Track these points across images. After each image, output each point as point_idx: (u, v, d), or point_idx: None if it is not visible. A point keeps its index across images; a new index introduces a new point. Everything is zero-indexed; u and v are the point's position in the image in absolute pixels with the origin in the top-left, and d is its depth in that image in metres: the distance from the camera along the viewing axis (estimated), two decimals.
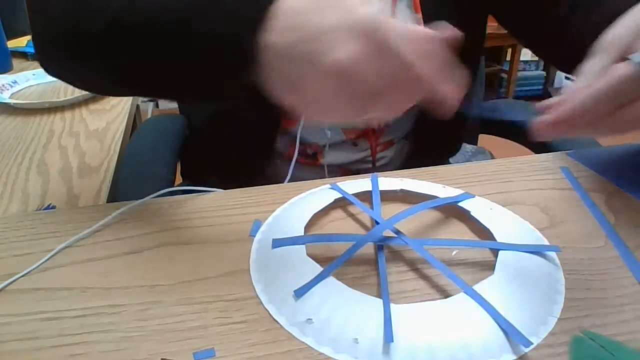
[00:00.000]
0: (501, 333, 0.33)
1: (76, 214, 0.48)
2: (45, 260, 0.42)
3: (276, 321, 0.35)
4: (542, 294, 0.36)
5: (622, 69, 0.32)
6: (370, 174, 0.53)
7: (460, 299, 0.35)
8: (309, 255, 0.40)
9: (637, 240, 0.43)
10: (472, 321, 0.34)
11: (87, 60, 0.42)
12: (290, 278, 0.38)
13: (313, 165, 0.70)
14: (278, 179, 0.67)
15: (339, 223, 0.47)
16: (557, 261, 0.40)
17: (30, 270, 0.40)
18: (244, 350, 0.33)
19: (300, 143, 0.65)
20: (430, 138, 0.72)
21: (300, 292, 0.36)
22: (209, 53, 0.34)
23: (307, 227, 0.44)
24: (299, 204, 0.48)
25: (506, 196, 0.50)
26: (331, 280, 0.37)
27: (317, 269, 0.38)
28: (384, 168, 0.75)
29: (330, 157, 0.70)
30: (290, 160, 0.63)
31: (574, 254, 0.41)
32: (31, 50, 1.22)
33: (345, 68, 0.29)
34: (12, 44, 1.20)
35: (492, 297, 0.35)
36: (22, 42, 1.25)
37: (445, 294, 0.38)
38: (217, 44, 0.34)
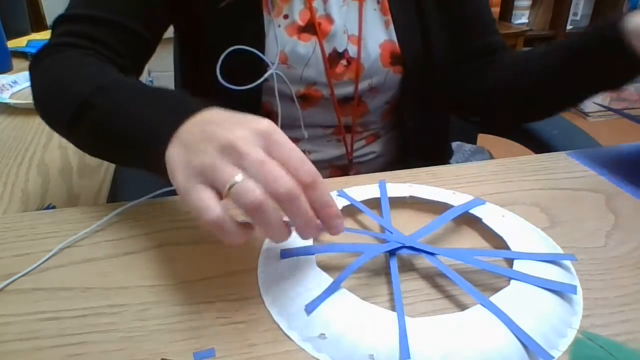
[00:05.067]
0: (521, 347, 0.32)
1: (76, 214, 0.48)
2: (45, 260, 0.42)
3: (289, 337, 0.34)
4: (559, 304, 0.35)
5: None
6: (375, 174, 0.53)
7: (477, 311, 0.34)
8: (317, 264, 0.38)
9: (637, 240, 0.43)
10: (491, 335, 0.32)
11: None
12: (301, 290, 0.36)
13: None
14: None
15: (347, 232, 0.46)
16: (573, 270, 0.39)
17: (30, 270, 0.40)
18: (244, 350, 0.33)
19: None
20: (414, 131, 0.72)
21: (311, 307, 0.34)
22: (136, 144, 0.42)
23: None
24: None
25: (506, 196, 0.50)
26: (343, 292, 0.35)
27: (327, 280, 0.37)
28: (373, 162, 0.74)
29: (315, 155, 0.70)
30: None
31: (574, 254, 0.41)
32: (31, 50, 1.22)
33: (233, 141, 0.33)
34: (12, 44, 1.20)
35: (510, 309, 0.34)
36: (22, 42, 1.25)
37: (460, 305, 0.37)
38: (143, 138, 0.41)
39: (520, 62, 0.67)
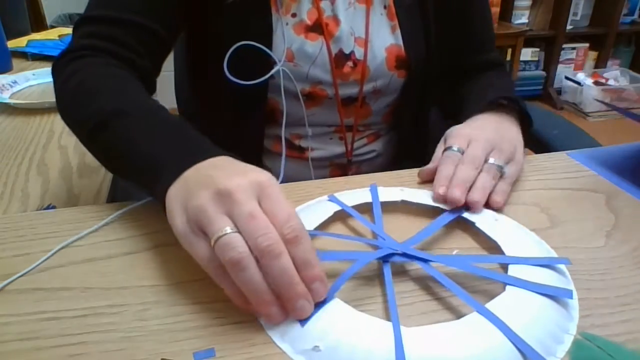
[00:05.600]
0: (518, 354, 0.31)
1: (76, 214, 0.48)
2: (45, 260, 0.42)
3: (282, 350, 0.33)
4: (556, 310, 0.35)
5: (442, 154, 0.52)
6: (375, 174, 0.52)
7: (473, 319, 0.33)
8: None
9: (637, 240, 0.43)
10: (488, 343, 0.32)
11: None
12: None
13: (300, 159, 0.70)
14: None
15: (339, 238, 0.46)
16: (568, 274, 0.39)
17: (30, 270, 0.40)
18: (244, 350, 0.33)
19: (285, 136, 0.68)
20: (412, 133, 0.73)
21: (304, 319, 0.34)
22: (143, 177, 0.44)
23: None
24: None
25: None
26: (336, 302, 0.35)
27: None
28: (373, 161, 0.75)
29: (317, 152, 0.70)
30: (277, 153, 0.64)
31: (574, 254, 0.41)
32: (31, 50, 1.22)
33: (230, 189, 0.34)
34: (12, 44, 1.20)
35: (506, 315, 0.33)
36: (22, 42, 1.25)
37: (456, 312, 0.36)
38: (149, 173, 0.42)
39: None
